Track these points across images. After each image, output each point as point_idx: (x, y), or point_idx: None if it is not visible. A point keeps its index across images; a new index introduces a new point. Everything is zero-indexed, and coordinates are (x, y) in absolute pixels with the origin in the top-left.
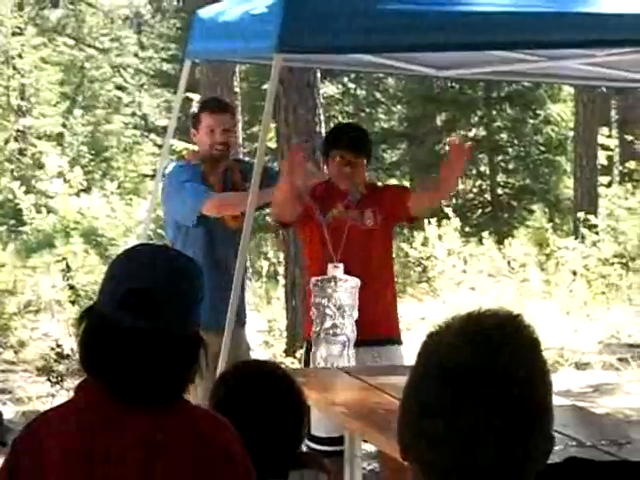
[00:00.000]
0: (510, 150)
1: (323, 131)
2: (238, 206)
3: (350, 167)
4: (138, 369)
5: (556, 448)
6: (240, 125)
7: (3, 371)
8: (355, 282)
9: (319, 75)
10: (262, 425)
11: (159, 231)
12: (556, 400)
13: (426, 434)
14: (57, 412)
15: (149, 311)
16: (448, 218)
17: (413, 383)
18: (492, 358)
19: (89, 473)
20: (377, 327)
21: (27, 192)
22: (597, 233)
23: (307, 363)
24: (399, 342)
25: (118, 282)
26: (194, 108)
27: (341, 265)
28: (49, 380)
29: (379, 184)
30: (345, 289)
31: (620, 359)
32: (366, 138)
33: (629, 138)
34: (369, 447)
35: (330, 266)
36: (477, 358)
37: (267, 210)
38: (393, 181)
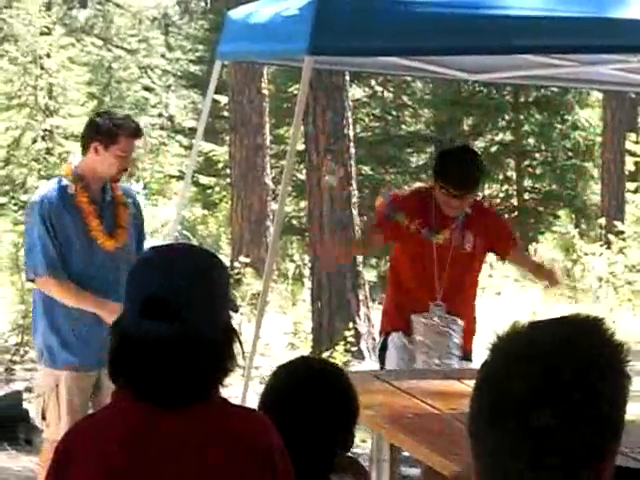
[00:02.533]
0: (537, 155)
1: (351, 134)
2: (65, 300)
3: (457, 199)
4: (165, 375)
5: None
6: (267, 127)
7: (29, 370)
8: (462, 323)
9: (348, 78)
10: (310, 428)
11: (184, 232)
12: None
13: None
14: (92, 420)
15: (170, 315)
16: None
17: (489, 375)
18: (573, 345)
19: None
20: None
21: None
22: (624, 239)
23: (382, 357)
24: (471, 359)
25: (138, 290)
26: (108, 123)
27: (443, 304)
28: None
29: (486, 205)
30: (456, 331)
31: None
32: (477, 173)
33: None
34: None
35: (432, 305)
36: (561, 345)
37: (293, 213)
38: (418, 184)
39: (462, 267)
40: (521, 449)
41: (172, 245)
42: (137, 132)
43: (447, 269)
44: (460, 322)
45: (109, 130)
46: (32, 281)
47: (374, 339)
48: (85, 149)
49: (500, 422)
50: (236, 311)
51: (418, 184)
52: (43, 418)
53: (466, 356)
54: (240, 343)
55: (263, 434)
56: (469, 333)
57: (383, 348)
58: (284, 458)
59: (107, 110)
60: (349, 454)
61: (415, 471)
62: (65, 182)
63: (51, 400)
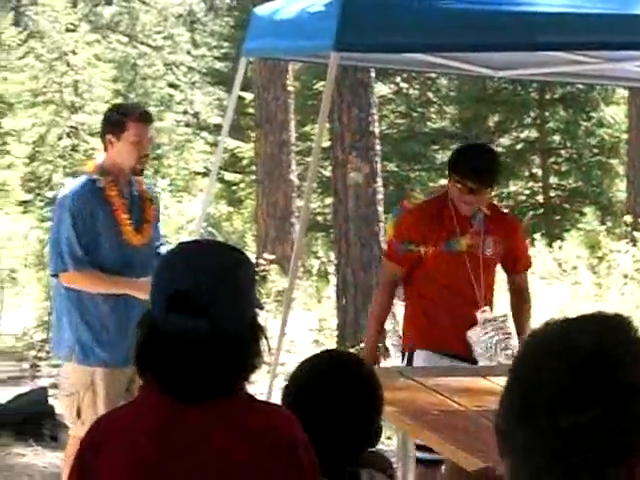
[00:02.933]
0: (563, 152)
1: (376, 130)
2: (91, 288)
3: (472, 194)
4: (191, 369)
5: None
6: (293, 124)
7: (55, 366)
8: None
9: (373, 75)
10: (334, 421)
11: (210, 229)
12: None
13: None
14: (120, 413)
15: (196, 311)
16: None
17: (521, 375)
18: (608, 345)
19: (148, 476)
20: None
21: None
22: None
23: None
24: None
25: (164, 285)
26: (115, 114)
27: (487, 308)
28: None
29: (503, 210)
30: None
31: None
32: (492, 166)
33: None
34: None
35: (478, 314)
36: (597, 345)
37: (318, 209)
38: (444, 182)
39: (489, 275)
40: (550, 447)
41: (198, 241)
42: (144, 116)
43: (482, 276)
44: (509, 317)
45: (117, 120)
46: (55, 276)
47: (399, 336)
48: (105, 145)
49: (530, 419)
50: (261, 309)
51: (441, 182)
52: (78, 416)
53: None
54: (266, 339)
55: (287, 429)
56: None
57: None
58: (308, 452)
59: (117, 103)
60: (375, 449)
61: None
62: (94, 177)
63: (87, 397)
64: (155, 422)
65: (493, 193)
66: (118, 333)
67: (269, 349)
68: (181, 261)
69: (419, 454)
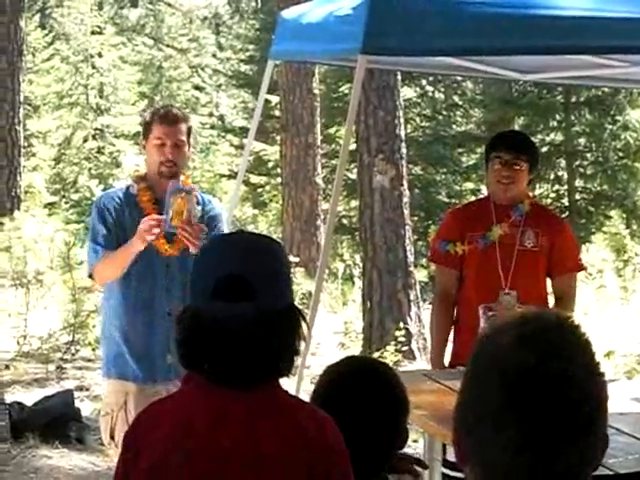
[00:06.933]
0: (588, 155)
1: (402, 133)
2: (113, 270)
3: (509, 170)
4: (241, 352)
5: (637, 455)
6: (318, 126)
7: (80, 368)
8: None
9: (399, 77)
10: (362, 425)
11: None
12: (634, 407)
13: (484, 438)
14: (161, 406)
15: (242, 295)
16: None
17: (469, 387)
18: (551, 360)
19: (191, 468)
20: None
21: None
22: None
23: None
24: None
25: (206, 274)
26: (146, 116)
27: (514, 292)
28: None
29: (548, 208)
30: None
31: None
32: (529, 141)
33: None
34: None
35: (501, 293)
36: (536, 361)
37: (343, 212)
38: (469, 185)
39: (528, 268)
40: None
41: (238, 232)
42: (167, 116)
43: (512, 269)
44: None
45: (145, 123)
46: (91, 277)
47: (425, 339)
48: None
49: None
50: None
51: (466, 185)
52: (112, 438)
53: None
54: (306, 323)
55: (325, 431)
56: None
57: None
58: (344, 454)
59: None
60: (404, 452)
61: None
62: (130, 183)
63: (119, 418)
64: (204, 412)
65: None
66: (153, 348)
67: (309, 334)
68: (227, 247)
69: (446, 470)
